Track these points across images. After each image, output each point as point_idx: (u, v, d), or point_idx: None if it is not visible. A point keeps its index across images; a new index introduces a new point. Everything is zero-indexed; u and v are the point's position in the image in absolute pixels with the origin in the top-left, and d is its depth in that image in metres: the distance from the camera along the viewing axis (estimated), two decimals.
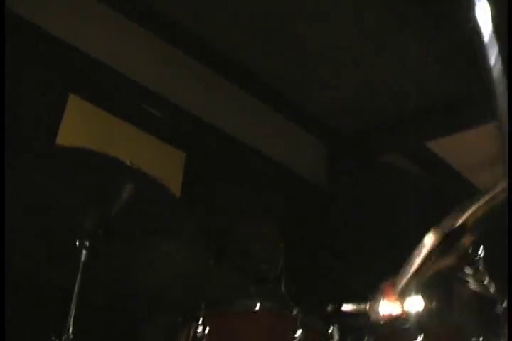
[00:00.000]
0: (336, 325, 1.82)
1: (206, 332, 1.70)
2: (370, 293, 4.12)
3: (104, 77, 3.23)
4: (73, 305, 1.70)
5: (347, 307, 4.24)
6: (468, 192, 4.49)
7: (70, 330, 1.67)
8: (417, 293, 4.22)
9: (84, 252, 1.88)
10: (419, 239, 4.13)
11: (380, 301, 4.20)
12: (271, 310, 1.73)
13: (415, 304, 4.28)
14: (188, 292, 1.91)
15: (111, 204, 1.89)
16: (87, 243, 1.90)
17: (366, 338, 1.85)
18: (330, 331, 1.80)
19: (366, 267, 4.00)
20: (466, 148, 5.12)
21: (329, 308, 4.05)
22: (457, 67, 3.83)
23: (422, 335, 1.77)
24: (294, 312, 1.74)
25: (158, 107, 3.58)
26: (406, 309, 4.30)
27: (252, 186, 3.94)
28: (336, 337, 1.78)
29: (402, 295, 3.94)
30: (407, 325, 4.03)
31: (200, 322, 1.71)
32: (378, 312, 4.23)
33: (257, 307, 1.74)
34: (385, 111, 4.62)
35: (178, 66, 3.72)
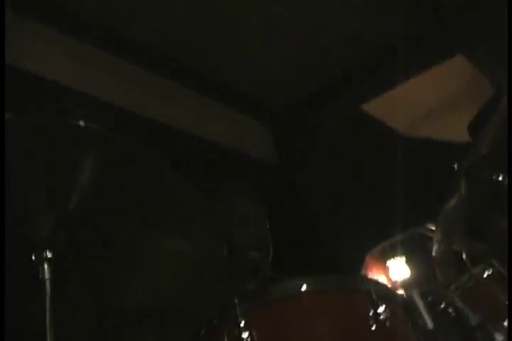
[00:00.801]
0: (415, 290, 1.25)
1: (254, 333, 1.08)
2: (358, 266, 3.62)
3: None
4: None
5: None
6: (410, 148, 4.14)
7: None
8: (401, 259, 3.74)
9: (46, 267, 1.22)
10: (389, 200, 3.63)
11: (366, 274, 3.73)
12: (338, 288, 1.14)
13: (401, 272, 3.83)
14: (206, 298, 1.30)
15: (70, 191, 1.24)
16: (47, 254, 1.23)
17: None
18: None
19: (347, 240, 3.54)
20: (400, 105, 4.77)
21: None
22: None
23: None
24: (364, 286, 1.16)
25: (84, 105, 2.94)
26: (394, 278, 3.85)
27: (207, 176, 3.37)
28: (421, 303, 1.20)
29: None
30: None
31: (240, 323, 1.09)
32: None
33: (304, 288, 1.14)
34: (316, 79, 4.17)
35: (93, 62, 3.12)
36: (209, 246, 1.38)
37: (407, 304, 1.29)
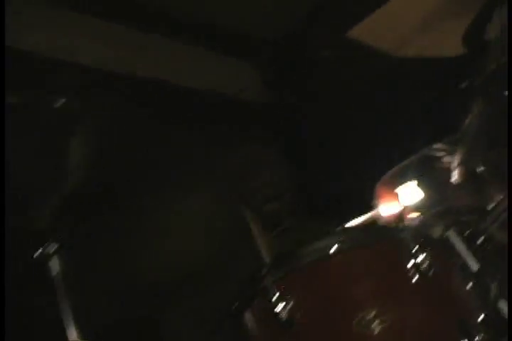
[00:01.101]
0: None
1: (290, 303, 0.97)
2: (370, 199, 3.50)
3: None
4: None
5: (353, 222, 3.67)
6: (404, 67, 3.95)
7: None
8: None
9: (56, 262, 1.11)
10: (396, 126, 3.46)
11: (379, 205, 3.63)
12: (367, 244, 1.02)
13: (411, 196, 3.74)
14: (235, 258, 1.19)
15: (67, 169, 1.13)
16: (53, 247, 1.12)
17: None
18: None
19: (355, 174, 3.42)
20: (386, 26, 4.51)
21: (337, 229, 3.45)
22: None
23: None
24: (398, 235, 1.03)
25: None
26: (405, 203, 3.75)
27: (207, 126, 3.21)
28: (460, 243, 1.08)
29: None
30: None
31: (273, 293, 0.98)
32: (384, 216, 3.66)
33: (334, 248, 1.02)
34: (297, 11, 3.92)
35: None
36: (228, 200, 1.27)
37: (446, 246, 1.17)
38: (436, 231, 1.15)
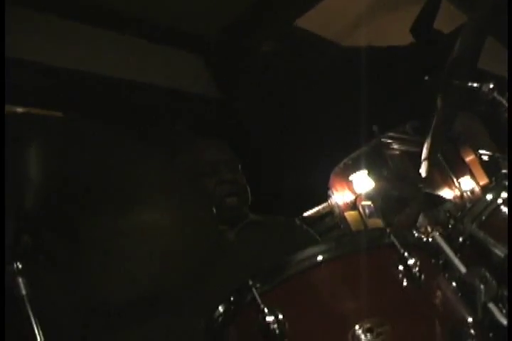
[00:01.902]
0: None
1: (279, 316, 0.92)
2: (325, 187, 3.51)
3: None
4: None
5: (308, 213, 3.68)
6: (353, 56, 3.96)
7: None
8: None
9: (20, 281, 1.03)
10: (343, 116, 3.46)
11: (333, 194, 3.67)
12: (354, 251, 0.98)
13: (364, 184, 3.79)
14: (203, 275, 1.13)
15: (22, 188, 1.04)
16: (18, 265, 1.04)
17: None
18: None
19: (309, 165, 3.41)
20: (333, 15, 4.51)
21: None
22: None
23: None
24: (387, 239, 1.00)
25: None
26: (358, 191, 3.80)
27: (158, 121, 3.13)
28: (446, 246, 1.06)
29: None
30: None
31: (261, 306, 0.93)
32: (338, 205, 3.70)
33: (320, 258, 0.98)
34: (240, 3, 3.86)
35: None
36: (190, 211, 1.21)
37: (433, 248, 1.14)
38: (421, 232, 1.12)
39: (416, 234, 1.11)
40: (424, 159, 1.75)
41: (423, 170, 1.76)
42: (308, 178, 3.40)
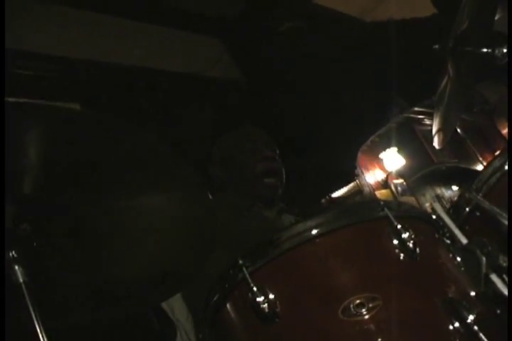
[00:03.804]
0: None
1: (270, 294, 0.90)
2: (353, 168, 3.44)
3: None
4: None
5: (338, 193, 3.62)
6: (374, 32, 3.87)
7: None
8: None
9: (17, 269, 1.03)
10: (368, 93, 3.37)
11: (363, 173, 3.60)
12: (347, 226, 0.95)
13: (394, 162, 3.71)
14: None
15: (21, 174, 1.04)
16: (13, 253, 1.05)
17: None
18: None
19: (336, 144, 3.36)
20: None
21: (323, 201, 3.41)
22: None
23: None
24: (380, 212, 0.96)
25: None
26: (389, 169, 3.72)
27: (178, 108, 3.14)
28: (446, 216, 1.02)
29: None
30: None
31: (251, 285, 0.91)
32: (368, 184, 3.63)
33: (311, 233, 0.95)
34: None
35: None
36: (189, 195, 1.20)
37: (433, 220, 1.10)
38: (424, 200, 1.08)
39: (412, 206, 1.07)
40: (438, 131, 1.68)
41: (436, 143, 1.69)
42: (334, 158, 3.34)
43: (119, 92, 3.08)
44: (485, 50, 1.65)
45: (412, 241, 0.98)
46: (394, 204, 1.03)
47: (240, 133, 1.99)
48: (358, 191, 3.62)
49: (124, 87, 3.08)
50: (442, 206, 1.09)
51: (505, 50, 1.63)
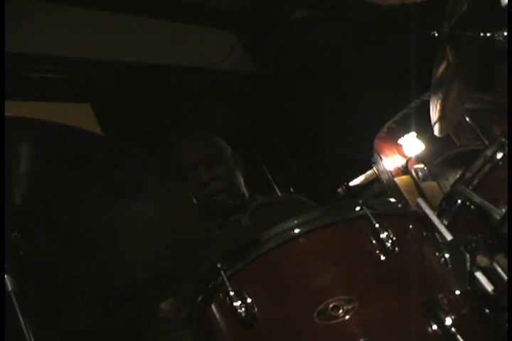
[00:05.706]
0: None
1: (247, 298, 0.89)
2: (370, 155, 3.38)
3: None
4: None
5: (355, 181, 3.57)
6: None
7: None
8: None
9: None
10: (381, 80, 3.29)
11: (381, 160, 3.52)
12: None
13: (414, 147, 3.62)
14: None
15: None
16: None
17: None
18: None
19: (351, 131, 3.31)
20: None
21: (339, 190, 3.36)
22: None
23: None
24: (358, 210, 0.93)
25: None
26: (408, 155, 3.64)
27: (193, 104, 3.14)
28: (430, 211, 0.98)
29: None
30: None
31: (229, 290, 0.90)
32: (387, 171, 3.56)
33: (294, 232, 0.93)
34: None
35: None
36: (174, 202, 1.19)
37: (416, 216, 1.06)
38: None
39: (394, 202, 1.03)
40: (439, 119, 1.63)
41: (437, 132, 1.64)
42: (349, 146, 3.30)
43: (131, 91, 3.08)
44: (485, 34, 1.58)
45: (390, 241, 0.95)
46: (374, 202, 1.00)
47: (181, 156, 1.87)
48: (376, 179, 3.56)
49: (136, 85, 3.09)
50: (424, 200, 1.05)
51: (505, 33, 1.56)
